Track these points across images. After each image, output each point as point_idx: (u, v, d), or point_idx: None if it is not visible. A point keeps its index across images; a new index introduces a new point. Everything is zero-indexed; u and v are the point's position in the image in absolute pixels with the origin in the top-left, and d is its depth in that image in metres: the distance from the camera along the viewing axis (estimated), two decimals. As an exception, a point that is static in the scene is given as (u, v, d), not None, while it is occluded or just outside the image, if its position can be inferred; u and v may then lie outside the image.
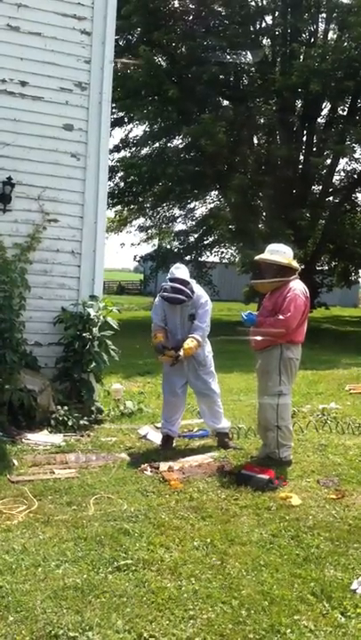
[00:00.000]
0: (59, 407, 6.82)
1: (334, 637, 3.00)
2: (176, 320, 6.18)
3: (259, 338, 5.64)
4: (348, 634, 3.03)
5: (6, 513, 4.41)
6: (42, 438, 6.33)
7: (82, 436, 6.56)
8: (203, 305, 6.15)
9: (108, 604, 3.22)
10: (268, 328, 5.57)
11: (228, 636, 3.00)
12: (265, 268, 5.77)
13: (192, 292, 6.07)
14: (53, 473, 5.32)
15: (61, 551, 3.80)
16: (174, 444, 6.38)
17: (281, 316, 5.50)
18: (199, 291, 6.19)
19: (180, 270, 6.21)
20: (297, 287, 5.63)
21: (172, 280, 6.11)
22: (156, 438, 6.49)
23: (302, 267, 22.84)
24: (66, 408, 6.83)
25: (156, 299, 6.36)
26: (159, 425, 6.73)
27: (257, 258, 5.82)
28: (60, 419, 6.70)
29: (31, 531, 4.11)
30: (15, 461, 5.59)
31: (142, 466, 5.55)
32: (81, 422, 6.81)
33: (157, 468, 5.47)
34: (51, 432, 6.54)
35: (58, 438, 6.36)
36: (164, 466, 5.53)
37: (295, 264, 5.80)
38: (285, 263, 5.65)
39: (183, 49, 21.86)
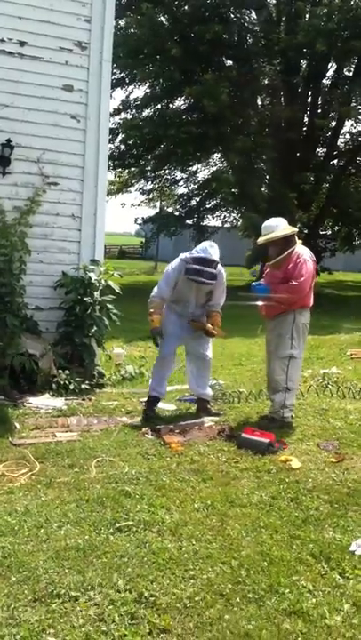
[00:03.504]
0: (60, 371, 6.83)
1: (333, 598, 3.04)
2: (191, 291, 6.00)
3: (268, 303, 5.69)
4: (347, 594, 3.07)
5: (9, 475, 4.45)
6: (44, 402, 6.36)
7: (83, 399, 6.59)
8: (222, 283, 6.02)
9: (109, 564, 3.26)
10: (282, 295, 5.62)
11: (228, 595, 3.04)
12: (272, 247, 5.74)
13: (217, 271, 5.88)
14: (55, 436, 5.36)
15: (63, 513, 3.84)
16: (175, 408, 6.42)
17: (294, 282, 5.59)
18: (220, 268, 5.96)
19: (214, 249, 5.87)
20: (304, 252, 5.73)
21: (206, 261, 5.78)
22: (159, 403, 6.48)
23: (305, 231, 22.76)
24: (67, 372, 6.84)
25: (174, 266, 5.96)
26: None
27: (262, 241, 5.77)
28: (62, 383, 6.71)
29: (33, 493, 4.15)
30: (17, 425, 5.63)
31: (143, 429, 5.59)
32: (82, 386, 6.83)
33: (158, 432, 5.51)
34: (52, 396, 6.56)
35: (59, 402, 6.39)
36: (165, 429, 5.57)
37: (293, 228, 5.87)
38: (289, 233, 5.71)
39: (186, 7, 21.37)
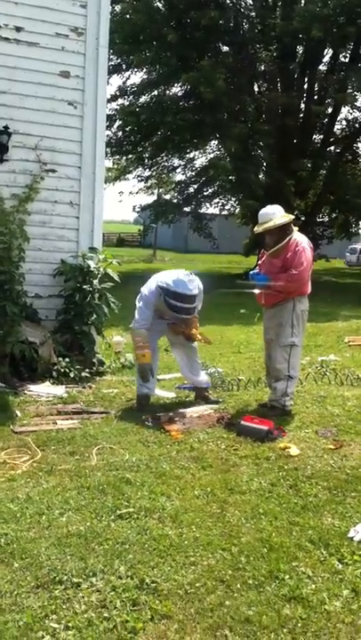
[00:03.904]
0: (60, 359, 6.85)
1: (332, 583, 3.07)
2: (168, 310, 5.81)
3: (267, 291, 5.69)
4: (346, 580, 3.10)
5: (10, 463, 4.47)
6: (44, 390, 6.38)
7: (83, 387, 6.61)
8: (201, 297, 5.84)
9: (110, 550, 3.29)
10: (282, 284, 5.61)
11: (228, 581, 3.06)
12: (269, 235, 5.69)
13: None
14: (56, 424, 5.38)
15: (65, 500, 3.87)
16: (174, 396, 6.44)
17: (294, 271, 5.58)
18: (199, 285, 5.76)
19: (193, 283, 5.62)
20: (302, 240, 5.70)
21: (185, 298, 5.56)
22: (158, 391, 6.50)
23: (302, 218, 22.73)
24: (67, 360, 6.86)
25: (153, 290, 5.70)
26: (160, 377, 6.76)
27: (259, 230, 5.73)
28: (62, 370, 6.74)
29: (35, 480, 4.17)
30: (18, 412, 5.65)
31: (143, 417, 5.60)
32: (82, 374, 6.86)
33: (158, 419, 5.53)
34: (53, 384, 6.59)
35: (60, 390, 6.40)
36: (164, 417, 5.59)
37: (290, 215, 5.85)
38: (287, 221, 5.68)
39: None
